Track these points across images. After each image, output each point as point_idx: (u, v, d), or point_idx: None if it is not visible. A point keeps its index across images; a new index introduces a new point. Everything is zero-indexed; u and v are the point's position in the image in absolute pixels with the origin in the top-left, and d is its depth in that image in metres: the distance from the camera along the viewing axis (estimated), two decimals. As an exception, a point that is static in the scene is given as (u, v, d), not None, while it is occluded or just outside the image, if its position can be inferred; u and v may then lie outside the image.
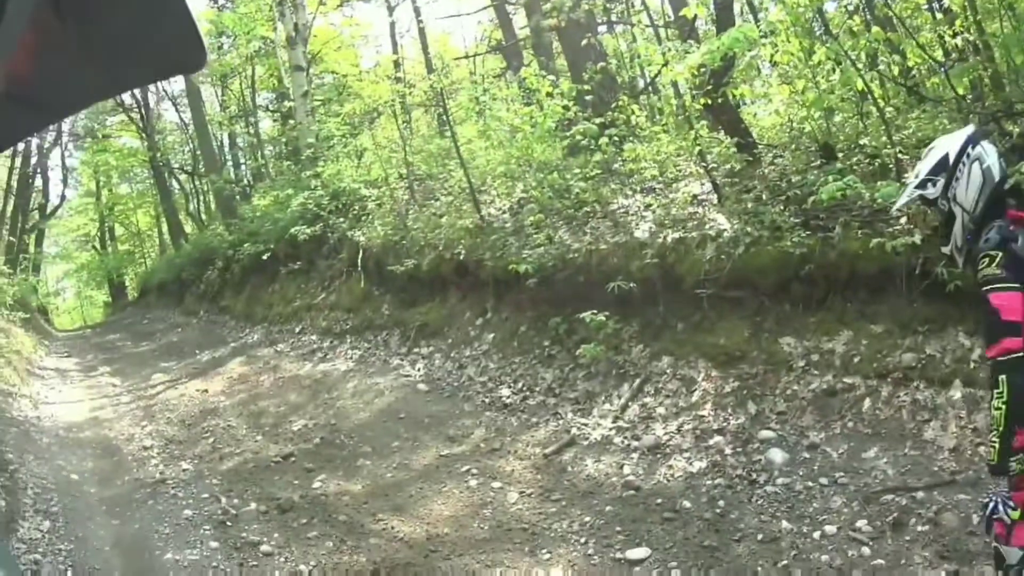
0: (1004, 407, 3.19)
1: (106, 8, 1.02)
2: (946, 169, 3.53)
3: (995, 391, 3.22)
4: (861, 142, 7.75)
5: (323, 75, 28.95)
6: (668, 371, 7.28)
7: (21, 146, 31.28)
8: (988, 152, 3.51)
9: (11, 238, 28.32)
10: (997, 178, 3.49)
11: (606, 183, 10.03)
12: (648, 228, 8.44)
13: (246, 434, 9.22)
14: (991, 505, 3.43)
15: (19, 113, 1.15)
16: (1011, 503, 3.43)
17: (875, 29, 7.10)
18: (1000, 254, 3.28)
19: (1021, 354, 3.16)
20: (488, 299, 10.11)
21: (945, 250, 3.84)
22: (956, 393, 5.30)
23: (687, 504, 5.56)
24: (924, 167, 3.68)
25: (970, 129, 3.75)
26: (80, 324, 40.60)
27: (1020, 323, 3.19)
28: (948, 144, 3.61)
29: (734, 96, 8.33)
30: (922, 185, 3.65)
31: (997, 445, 3.24)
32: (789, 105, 8.36)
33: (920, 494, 4.79)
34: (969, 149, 3.50)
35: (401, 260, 11.75)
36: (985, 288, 3.30)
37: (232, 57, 27.12)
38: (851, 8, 8.16)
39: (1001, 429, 3.22)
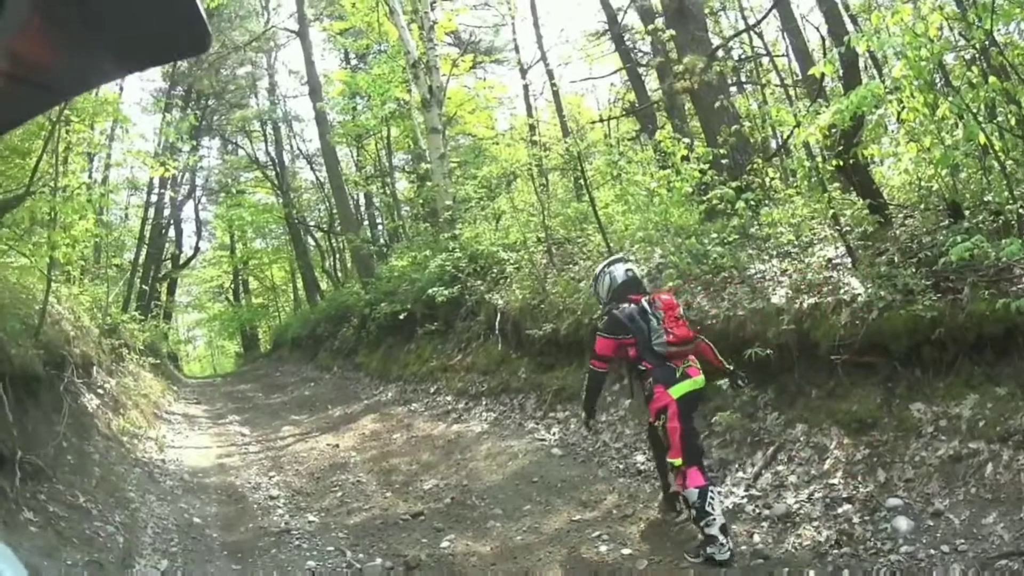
0: (585, 386, 7.58)
1: None
2: (596, 281, 7.64)
3: (585, 380, 7.63)
4: (986, 198, 7.80)
5: (458, 137, 29.66)
6: (801, 439, 7.44)
7: (154, 197, 32.92)
8: (615, 269, 7.44)
9: (143, 286, 29.67)
10: (619, 282, 7.30)
11: (743, 248, 10.24)
12: (784, 293, 8.56)
13: (376, 490, 9.54)
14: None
15: (25, 94, 1.20)
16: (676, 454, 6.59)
17: (991, 79, 7.08)
18: (606, 320, 7.26)
19: (598, 370, 7.30)
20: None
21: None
22: (1074, 455, 5.44)
23: (813, 574, 5.80)
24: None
25: (612, 258, 8.05)
26: (210, 373, 42.37)
27: (608, 356, 7.18)
28: (597, 267, 7.85)
29: (864, 156, 8.51)
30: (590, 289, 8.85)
31: (583, 406, 7.73)
32: (917, 163, 8.45)
33: (1033, 557, 4.95)
34: (606, 269, 7.51)
35: (539, 324, 12.13)
36: (597, 333, 7.44)
37: (367, 118, 28.02)
38: (968, 59, 8.24)
39: (584, 397, 7.64)
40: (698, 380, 6.83)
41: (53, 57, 1.12)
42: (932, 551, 5.49)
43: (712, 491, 6.31)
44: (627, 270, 7.45)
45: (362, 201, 35.54)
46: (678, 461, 6.56)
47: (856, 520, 6.16)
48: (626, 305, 7.06)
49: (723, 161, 11.25)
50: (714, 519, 6.16)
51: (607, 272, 7.43)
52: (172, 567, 7.29)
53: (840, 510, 6.36)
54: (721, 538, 6.11)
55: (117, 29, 1.10)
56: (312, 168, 39.03)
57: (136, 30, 1.12)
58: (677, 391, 6.66)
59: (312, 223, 39.74)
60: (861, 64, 10.41)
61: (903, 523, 5.87)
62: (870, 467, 6.56)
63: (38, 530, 6.92)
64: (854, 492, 6.46)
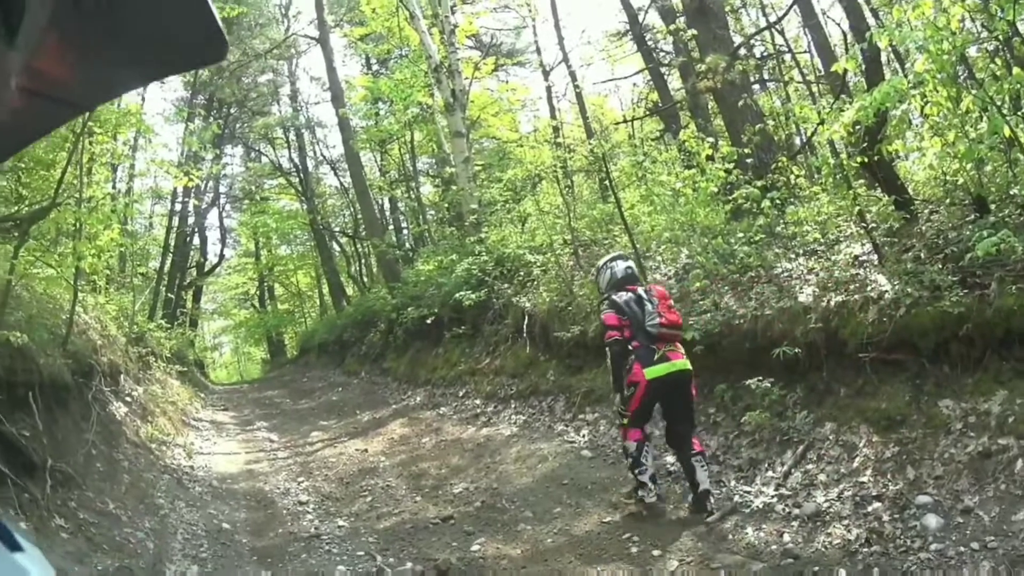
0: (611, 366, 7.95)
1: (125, 2, 1.08)
2: (598, 273, 8.53)
3: (607, 359, 8.08)
4: (1012, 192, 7.76)
5: (482, 140, 29.74)
6: (831, 437, 7.42)
7: (178, 206, 33.21)
8: (616, 264, 8.28)
9: (169, 294, 29.89)
10: (619, 277, 8.10)
11: (769, 247, 10.27)
12: (812, 292, 8.59)
13: (405, 494, 9.60)
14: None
15: (45, 108, 1.21)
16: (627, 414, 7.70)
17: (1016, 71, 7.03)
18: (607, 303, 7.94)
19: (616, 337, 7.71)
20: (655, 365, 10.36)
21: None
22: (1104, 449, 5.40)
23: (843, 572, 5.76)
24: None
25: (613, 254, 8.88)
26: (237, 379, 42.68)
27: (616, 325, 7.70)
28: (600, 261, 8.71)
29: (889, 152, 8.50)
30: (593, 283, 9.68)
31: (613, 386, 8.09)
32: (942, 158, 8.38)
33: (1062, 555, 4.92)
34: (608, 264, 8.35)
35: (567, 326, 12.17)
36: (600, 311, 8.12)
37: (390, 123, 28.28)
38: (991, 50, 8.18)
39: (612, 378, 8.02)
40: (677, 363, 7.67)
41: (71, 71, 1.14)
42: (962, 548, 5.47)
43: (647, 446, 7.70)
44: (627, 267, 8.35)
45: (387, 206, 35.80)
46: (626, 420, 7.80)
47: (886, 518, 6.14)
48: (623, 293, 7.93)
49: (748, 160, 11.31)
50: (646, 468, 7.58)
51: (608, 267, 8.37)
52: (202, 572, 7.39)
53: (870, 508, 6.35)
54: (650, 484, 7.54)
55: (134, 41, 1.12)
56: (336, 174, 39.41)
57: (154, 42, 1.14)
58: (651, 373, 7.56)
59: (337, 228, 39.98)
60: (884, 59, 10.39)
61: (933, 520, 5.85)
62: (899, 465, 6.54)
63: (69, 536, 7.05)
64: (883, 490, 6.44)
